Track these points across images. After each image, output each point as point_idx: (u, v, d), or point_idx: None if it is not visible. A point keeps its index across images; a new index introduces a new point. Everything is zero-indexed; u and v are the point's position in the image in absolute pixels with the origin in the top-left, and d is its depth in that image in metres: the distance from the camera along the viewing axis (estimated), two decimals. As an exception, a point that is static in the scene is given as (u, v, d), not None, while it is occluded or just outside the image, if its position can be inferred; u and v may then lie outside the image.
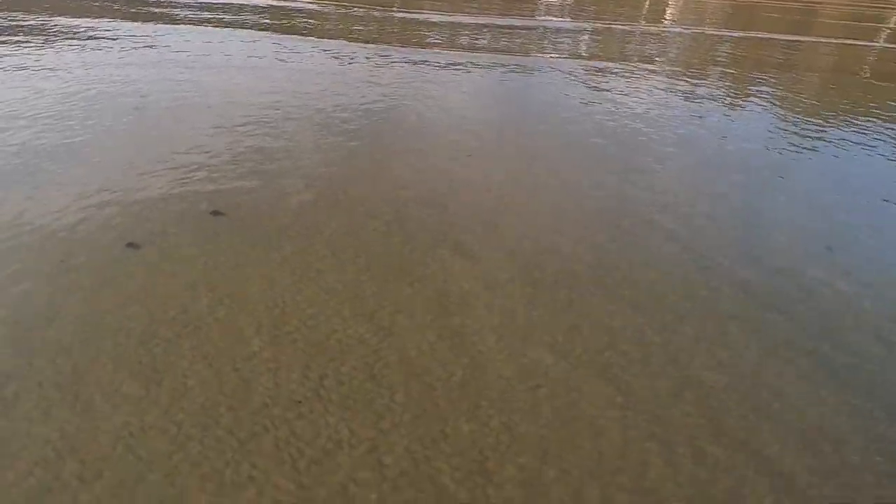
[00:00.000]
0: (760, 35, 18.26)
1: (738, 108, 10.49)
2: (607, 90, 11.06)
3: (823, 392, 3.61)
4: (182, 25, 13.48)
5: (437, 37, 14.13)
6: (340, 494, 2.85)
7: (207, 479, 2.84)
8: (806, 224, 5.93)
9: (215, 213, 5.56)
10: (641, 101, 10.24)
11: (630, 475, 3.01)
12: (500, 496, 2.84)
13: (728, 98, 11.00)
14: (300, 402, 3.36)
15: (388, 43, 13.26)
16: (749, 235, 5.65)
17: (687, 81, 11.86)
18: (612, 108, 9.58)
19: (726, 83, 12.12)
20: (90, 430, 3.09)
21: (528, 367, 3.71)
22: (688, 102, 10.41)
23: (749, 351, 3.95)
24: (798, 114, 10.26)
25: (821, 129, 9.28)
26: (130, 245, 4.98)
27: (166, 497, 2.75)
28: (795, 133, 8.90)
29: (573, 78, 11.87)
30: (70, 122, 7.55)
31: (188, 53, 11.53)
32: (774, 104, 10.71)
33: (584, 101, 9.87)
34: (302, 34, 13.67)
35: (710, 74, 12.82)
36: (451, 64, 12.28)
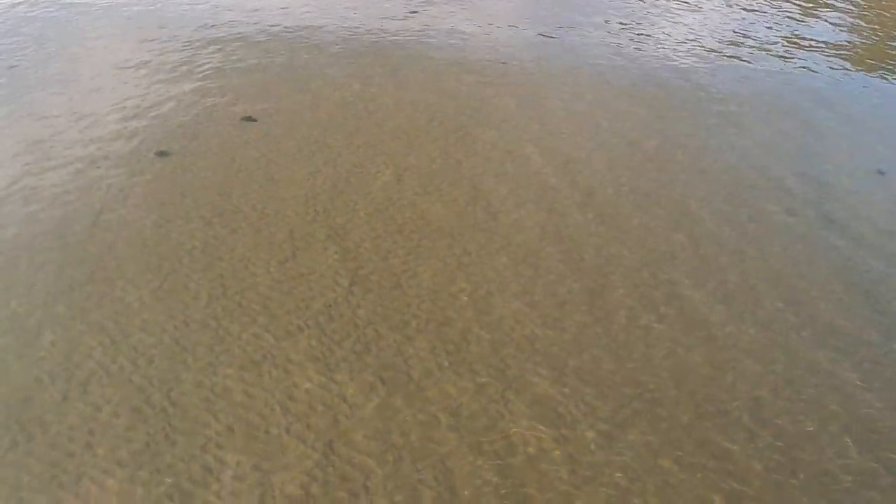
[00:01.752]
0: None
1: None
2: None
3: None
4: None
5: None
6: (369, 390, 3.09)
7: (246, 371, 3.12)
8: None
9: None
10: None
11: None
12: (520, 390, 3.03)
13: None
14: (330, 306, 3.56)
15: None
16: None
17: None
18: None
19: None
20: (140, 321, 3.39)
21: (554, 283, 3.77)
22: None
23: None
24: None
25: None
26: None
27: (208, 383, 3.06)
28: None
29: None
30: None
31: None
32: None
33: None
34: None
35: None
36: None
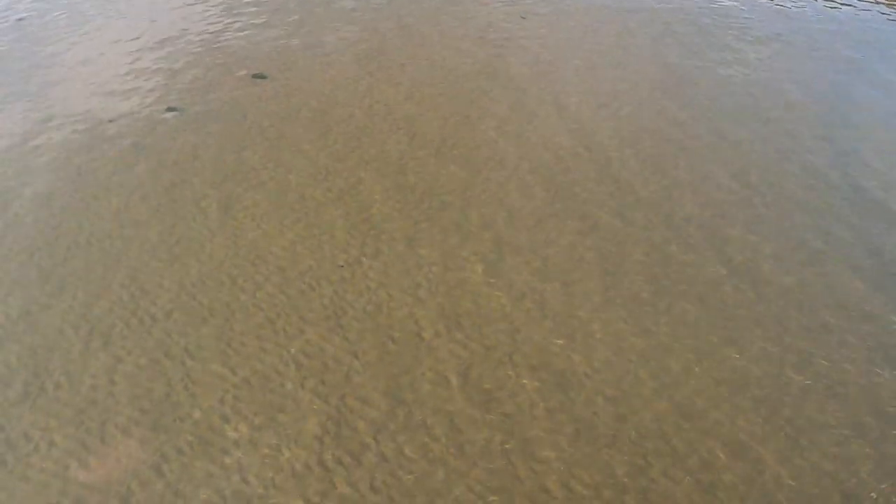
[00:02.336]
0: None
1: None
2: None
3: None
4: None
5: None
6: (382, 348, 3.18)
7: (261, 328, 3.23)
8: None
9: None
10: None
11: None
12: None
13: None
14: (342, 266, 3.64)
15: None
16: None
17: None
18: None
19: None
20: (156, 278, 3.49)
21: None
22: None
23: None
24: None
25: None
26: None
27: (226, 337, 3.17)
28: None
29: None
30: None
31: None
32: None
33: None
34: None
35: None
36: None
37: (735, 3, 7.11)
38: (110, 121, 4.76)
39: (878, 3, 7.43)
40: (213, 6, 6.68)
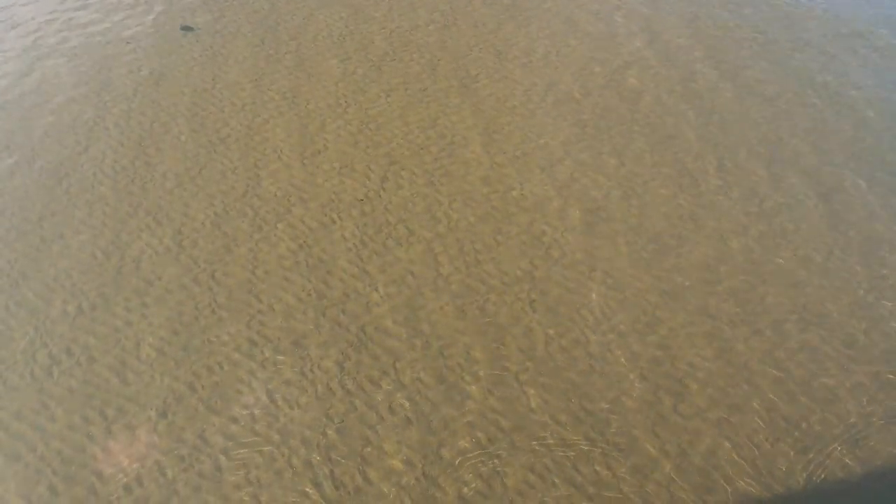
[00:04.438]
0: None
1: None
2: None
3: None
4: None
5: None
6: (401, 281, 3.31)
7: (284, 258, 3.37)
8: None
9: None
10: None
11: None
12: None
13: None
14: (362, 200, 3.71)
15: None
16: None
17: None
18: None
19: None
20: (181, 207, 3.62)
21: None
22: None
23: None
24: None
25: None
26: None
27: (251, 266, 3.33)
28: None
29: None
30: None
31: None
32: None
33: None
34: None
35: None
36: None
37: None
38: (127, 42, 4.74)
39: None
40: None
